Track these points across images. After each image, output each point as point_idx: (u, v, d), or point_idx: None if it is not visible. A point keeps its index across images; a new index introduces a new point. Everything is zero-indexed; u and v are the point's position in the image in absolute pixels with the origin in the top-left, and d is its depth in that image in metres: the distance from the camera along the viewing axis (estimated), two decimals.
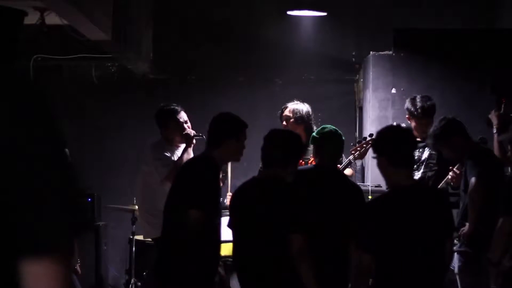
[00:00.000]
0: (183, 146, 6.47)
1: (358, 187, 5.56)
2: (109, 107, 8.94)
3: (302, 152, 4.95)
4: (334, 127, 5.46)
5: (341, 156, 5.68)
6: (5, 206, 1.64)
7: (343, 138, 5.47)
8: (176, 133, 6.47)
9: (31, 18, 7.47)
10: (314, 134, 5.50)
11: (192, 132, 6.46)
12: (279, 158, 4.64)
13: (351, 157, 6.42)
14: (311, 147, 6.53)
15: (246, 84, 9.05)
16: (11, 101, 1.67)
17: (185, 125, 6.48)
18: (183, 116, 6.52)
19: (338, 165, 6.39)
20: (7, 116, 1.66)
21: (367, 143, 6.48)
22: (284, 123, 6.67)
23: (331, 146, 5.35)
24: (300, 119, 6.62)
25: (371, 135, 6.75)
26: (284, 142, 4.74)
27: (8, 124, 1.65)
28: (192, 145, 6.46)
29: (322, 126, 5.55)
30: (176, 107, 6.52)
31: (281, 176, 4.60)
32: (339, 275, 5.10)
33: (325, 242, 4.98)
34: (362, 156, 6.53)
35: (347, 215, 5.04)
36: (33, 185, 1.66)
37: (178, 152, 6.47)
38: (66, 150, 4.64)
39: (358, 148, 6.44)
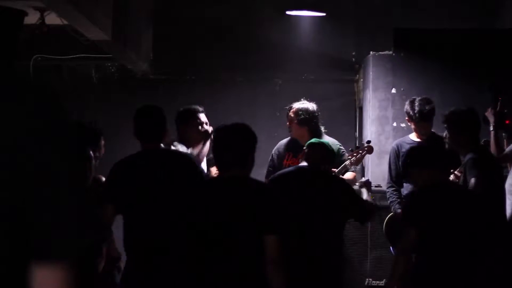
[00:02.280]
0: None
1: (340, 179, 5.62)
2: (109, 107, 8.94)
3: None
4: (323, 141, 5.58)
5: (328, 164, 5.59)
6: (20, 210, 1.64)
7: (332, 150, 5.53)
8: (194, 132, 6.41)
9: (31, 18, 7.48)
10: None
11: (210, 129, 6.40)
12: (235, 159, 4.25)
13: (347, 162, 6.41)
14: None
15: (246, 84, 9.05)
16: (17, 101, 1.67)
17: (205, 126, 6.44)
18: (203, 116, 6.48)
19: (334, 169, 6.40)
20: (13, 116, 1.65)
21: (362, 149, 6.46)
22: (288, 124, 6.65)
23: (317, 152, 5.39)
24: (303, 120, 6.56)
25: (368, 141, 6.75)
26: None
27: (18, 125, 1.65)
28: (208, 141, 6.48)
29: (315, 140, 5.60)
30: (199, 107, 6.48)
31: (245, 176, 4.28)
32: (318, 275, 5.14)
33: (308, 242, 5.07)
34: (358, 162, 6.49)
35: (331, 211, 5.13)
36: (49, 188, 1.65)
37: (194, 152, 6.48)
38: (91, 152, 4.55)
39: (355, 154, 6.43)
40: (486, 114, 6.19)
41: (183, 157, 5.26)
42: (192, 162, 5.16)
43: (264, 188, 4.35)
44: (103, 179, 5.52)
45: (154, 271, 4.78)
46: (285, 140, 6.75)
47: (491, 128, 6.10)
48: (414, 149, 5.34)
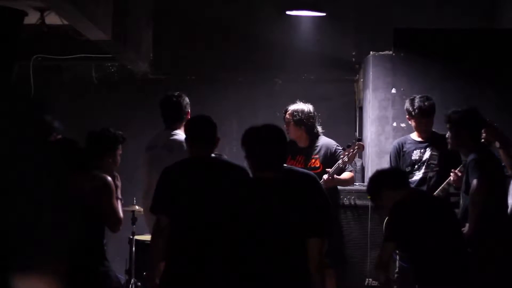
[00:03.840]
0: None
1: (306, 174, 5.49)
2: (109, 107, 8.94)
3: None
4: None
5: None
6: (5, 215, 1.64)
7: None
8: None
9: (31, 18, 7.47)
10: None
11: None
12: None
13: (339, 161, 6.43)
14: (312, 150, 6.55)
15: (246, 84, 9.04)
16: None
17: None
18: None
19: (328, 169, 6.40)
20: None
21: (353, 147, 6.49)
22: (286, 126, 6.66)
23: None
24: (300, 121, 6.60)
25: (359, 139, 6.79)
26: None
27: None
28: None
29: None
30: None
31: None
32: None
33: None
34: (350, 160, 6.53)
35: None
36: (33, 195, 1.65)
37: None
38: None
39: (346, 153, 6.46)
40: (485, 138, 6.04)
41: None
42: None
43: (304, 191, 4.33)
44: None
45: (198, 271, 4.73)
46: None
47: (498, 146, 6.01)
48: (377, 175, 5.37)
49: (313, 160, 6.54)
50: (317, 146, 6.59)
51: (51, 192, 1.71)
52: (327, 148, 6.59)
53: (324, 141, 6.65)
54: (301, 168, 6.08)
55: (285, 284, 4.12)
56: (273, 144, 4.22)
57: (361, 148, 6.63)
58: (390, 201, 5.06)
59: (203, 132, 4.85)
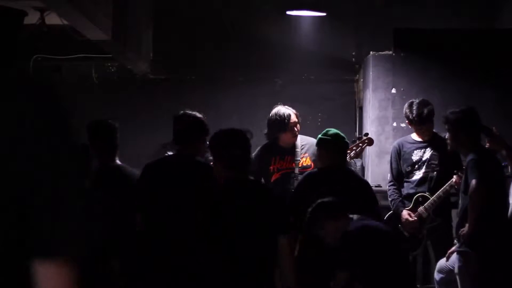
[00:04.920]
0: None
1: (365, 182, 5.79)
2: (109, 107, 8.94)
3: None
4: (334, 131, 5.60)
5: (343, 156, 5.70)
6: (22, 206, 1.64)
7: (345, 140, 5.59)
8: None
9: (31, 18, 7.48)
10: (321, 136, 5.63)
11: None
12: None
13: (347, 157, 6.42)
14: (299, 148, 6.51)
15: (246, 84, 9.05)
16: (13, 101, 1.67)
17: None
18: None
19: None
20: (9, 116, 1.65)
21: (362, 142, 6.48)
22: (295, 129, 6.59)
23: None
24: (299, 123, 6.66)
25: (366, 134, 6.76)
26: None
27: (14, 125, 1.65)
28: None
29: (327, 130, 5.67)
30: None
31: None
32: None
33: None
34: (358, 155, 6.53)
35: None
36: (51, 186, 1.66)
37: None
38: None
39: (354, 148, 6.44)
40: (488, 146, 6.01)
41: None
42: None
43: (272, 190, 4.53)
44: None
45: (168, 272, 4.80)
46: (266, 145, 6.65)
47: (504, 154, 5.99)
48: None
49: (304, 159, 6.51)
50: (303, 145, 6.53)
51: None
52: (314, 147, 6.58)
53: (306, 140, 6.58)
54: (292, 167, 6.28)
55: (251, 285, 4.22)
56: (239, 148, 4.42)
57: (371, 142, 6.57)
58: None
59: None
